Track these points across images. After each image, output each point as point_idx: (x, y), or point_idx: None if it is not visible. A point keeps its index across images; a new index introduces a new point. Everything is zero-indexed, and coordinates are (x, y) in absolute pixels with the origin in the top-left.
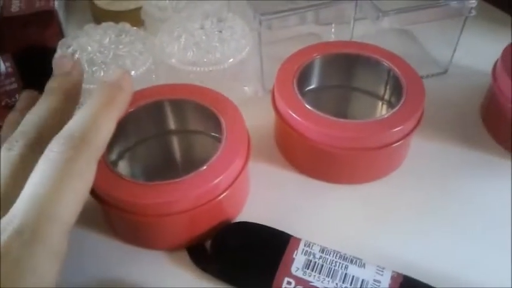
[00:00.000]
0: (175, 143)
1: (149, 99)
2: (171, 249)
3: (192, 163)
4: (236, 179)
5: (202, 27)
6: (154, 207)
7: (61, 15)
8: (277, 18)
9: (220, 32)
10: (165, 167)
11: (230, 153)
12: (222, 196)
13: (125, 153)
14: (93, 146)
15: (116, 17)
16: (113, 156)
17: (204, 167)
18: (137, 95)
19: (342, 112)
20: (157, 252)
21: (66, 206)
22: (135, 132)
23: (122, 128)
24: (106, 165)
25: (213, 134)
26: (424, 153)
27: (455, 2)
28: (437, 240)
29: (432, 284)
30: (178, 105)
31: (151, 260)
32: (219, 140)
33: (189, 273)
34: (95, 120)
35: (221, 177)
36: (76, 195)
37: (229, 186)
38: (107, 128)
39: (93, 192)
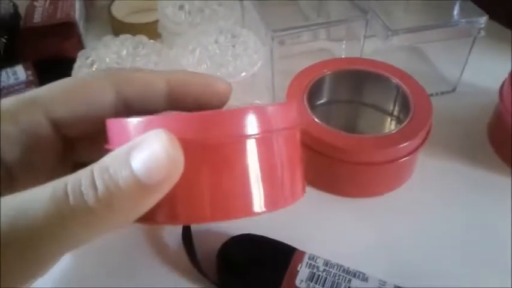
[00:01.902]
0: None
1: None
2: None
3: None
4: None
5: (216, 42)
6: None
7: (81, 26)
8: (289, 35)
9: (234, 46)
10: None
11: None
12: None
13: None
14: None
15: (133, 29)
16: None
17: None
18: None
19: (351, 127)
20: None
21: None
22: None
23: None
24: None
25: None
26: (430, 170)
27: (464, 22)
28: (441, 256)
29: None
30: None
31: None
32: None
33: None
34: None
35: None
36: None
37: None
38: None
39: None
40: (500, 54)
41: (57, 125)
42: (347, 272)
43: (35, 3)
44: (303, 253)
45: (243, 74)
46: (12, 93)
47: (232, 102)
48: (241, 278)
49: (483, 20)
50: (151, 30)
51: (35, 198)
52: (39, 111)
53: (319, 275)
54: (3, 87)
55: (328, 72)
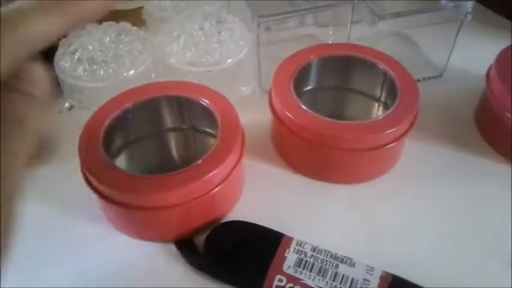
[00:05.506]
0: (172, 140)
1: (146, 96)
2: (160, 241)
3: (189, 159)
4: (229, 174)
5: (201, 28)
6: (149, 200)
7: None
8: (276, 20)
9: (219, 33)
10: (163, 164)
11: (224, 148)
12: (215, 190)
13: (122, 150)
14: None
15: (117, 15)
16: (111, 152)
17: (199, 161)
18: (134, 91)
19: (338, 113)
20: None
21: None
22: (133, 129)
23: (119, 124)
24: (103, 158)
25: (208, 130)
26: (417, 156)
27: (451, 6)
28: (428, 241)
29: (421, 284)
30: (175, 102)
31: (143, 250)
32: (214, 137)
33: (179, 266)
34: None
35: (215, 171)
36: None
37: (223, 181)
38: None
39: (88, 182)
40: (487, 38)
41: None
42: (334, 257)
43: None
44: (290, 239)
45: (229, 60)
46: None
47: (219, 90)
48: (228, 264)
49: (470, 4)
50: (135, 16)
51: None
52: None
53: (306, 261)
54: None
55: (315, 58)
